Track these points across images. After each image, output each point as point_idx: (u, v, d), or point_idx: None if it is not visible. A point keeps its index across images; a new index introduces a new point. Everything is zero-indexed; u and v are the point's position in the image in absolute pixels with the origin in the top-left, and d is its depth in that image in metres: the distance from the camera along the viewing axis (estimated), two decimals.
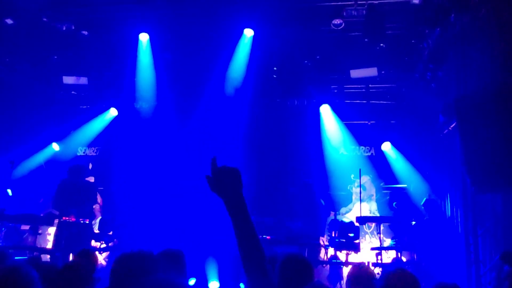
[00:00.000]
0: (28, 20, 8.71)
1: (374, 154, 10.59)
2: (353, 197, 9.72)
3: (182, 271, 3.89)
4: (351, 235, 7.58)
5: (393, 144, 10.25)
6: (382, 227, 8.01)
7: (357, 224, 7.74)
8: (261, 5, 8.13)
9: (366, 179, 9.42)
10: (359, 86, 10.44)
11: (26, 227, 8.63)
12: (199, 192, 9.93)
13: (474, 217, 7.12)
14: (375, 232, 8.78)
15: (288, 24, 8.55)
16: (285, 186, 10.13)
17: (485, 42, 6.52)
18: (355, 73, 9.78)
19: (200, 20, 8.56)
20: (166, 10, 8.44)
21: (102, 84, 10.93)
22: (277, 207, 9.69)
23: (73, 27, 8.85)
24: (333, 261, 7.88)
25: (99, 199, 9.67)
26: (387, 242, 8.48)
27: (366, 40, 8.36)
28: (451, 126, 8.05)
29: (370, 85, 10.39)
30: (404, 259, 8.14)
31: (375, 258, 7.63)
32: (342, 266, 7.66)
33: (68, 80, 10.75)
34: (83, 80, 10.88)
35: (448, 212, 8.75)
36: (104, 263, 8.31)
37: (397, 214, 8.97)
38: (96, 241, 8.21)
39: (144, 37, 9.40)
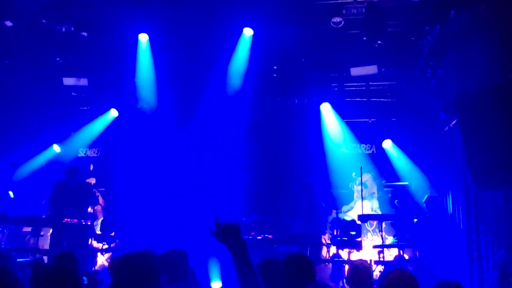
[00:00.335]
0: (27, 22, 8.71)
1: (375, 152, 10.57)
2: (355, 195, 9.71)
3: (185, 271, 3.90)
4: (353, 233, 7.58)
5: (394, 141, 10.24)
6: (384, 225, 8.00)
7: (358, 222, 7.74)
8: (261, 4, 8.12)
9: (367, 177, 9.40)
10: (359, 84, 10.43)
11: (28, 229, 8.64)
12: (200, 192, 9.95)
13: (476, 214, 7.11)
14: (377, 230, 8.77)
15: (287, 22, 8.54)
16: (286, 185, 10.12)
17: (485, 39, 6.51)
18: (355, 71, 9.78)
19: (199, 20, 8.55)
20: (165, 11, 8.43)
21: (102, 85, 10.94)
22: (278, 206, 9.69)
23: (73, 29, 8.84)
24: (335, 259, 7.88)
25: (100, 200, 9.68)
26: (389, 240, 8.47)
27: (364, 38, 8.35)
28: (452, 123, 8.04)
29: (370, 83, 10.38)
30: (406, 256, 8.13)
31: (377, 256, 7.62)
32: (344, 265, 7.66)
33: (68, 81, 10.76)
34: (83, 81, 10.89)
35: (450, 209, 8.75)
36: (106, 264, 8.32)
37: (399, 212, 8.96)
38: (98, 242, 8.22)
39: (143, 38, 9.40)
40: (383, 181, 10.06)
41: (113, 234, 8.28)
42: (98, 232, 8.32)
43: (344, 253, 7.84)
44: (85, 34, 9.07)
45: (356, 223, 7.75)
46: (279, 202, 9.80)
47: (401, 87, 10.32)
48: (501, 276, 4.45)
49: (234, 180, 9.99)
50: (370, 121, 10.72)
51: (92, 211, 9.12)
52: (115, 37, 9.28)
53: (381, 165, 10.17)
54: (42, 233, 8.04)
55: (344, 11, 8.04)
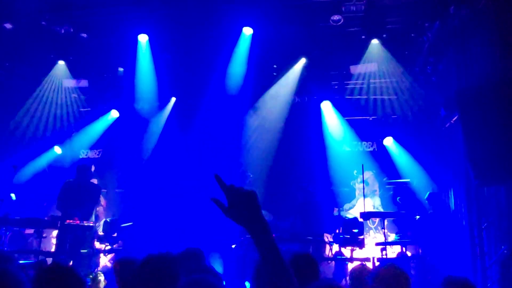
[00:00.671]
0: (26, 24, 8.71)
1: (376, 149, 10.56)
2: (357, 193, 9.71)
3: (203, 269, 3.92)
4: (355, 231, 7.57)
5: (395, 138, 10.23)
6: (386, 222, 8.00)
7: (361, 220, 7.73)
8: (260, 3, 8.12)
9: (369, 174, 9.41)
10: (359, 81, 10.42)
11: (31, 231, 8.65)
12: (202, 191, 9.95)
13: (478, 210, 7.11)
14: (379, 228, 8.77)
15: (287, 21, 8.54)
16: (287, 184, 10.11)
17: (485, 34, 6.50)
18: (355, 69, 9.77)
19: (199, 20, 8.54)
20: (164, 11, 8.43)
21: (102, 86, 10.95)
22: (280, 204, 9.68)
23: (72, 30, 8.84)
24: (338, 257, 7.87)
25: (102, 201, 9.69)
26: (392, 237, 8.47)
27: (363, 37, 8.36)
28: (453, 120, 8.03)
29: (370, 80, 10.37)
30: (409, 253, 8.13)
31: (380, 254, 7.62)
32: (347, 262, 7.66)
33: (68, 83, 10.76)
34: (84, 83, 10.90)
35: (452, 206, 8.74)
36: (109, 265, 8.33)
37: (401, 209, 8.95)
38: (100, 243, 8.23)
39: (143, 38, 9.40)
40: (385, 179, 10.06)
41: (115, 235, 8.28)
42: (100, 233, 8.33)
43: (346, 251, 7.84)
44: (84, 35, 9.08)
45: (358, 220, 7.74)
46: (281, 201, 9.79)
47: (401, 84, 10.30)
48: (503, 271, 4.45)
49: (235, 180, 9.98)
50: (370, 119, 10.71)
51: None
52: (115, 38, 9.28)
53: (383, 162, 10.16)
54: (44, 235, 8.04)
55: (343, 9, 8.04)
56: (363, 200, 8.07)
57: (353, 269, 4.27)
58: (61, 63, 10.25)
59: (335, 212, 8.93)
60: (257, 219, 1.80)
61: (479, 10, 6.53)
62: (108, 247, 8.15)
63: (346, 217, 8.43)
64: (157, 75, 10.22)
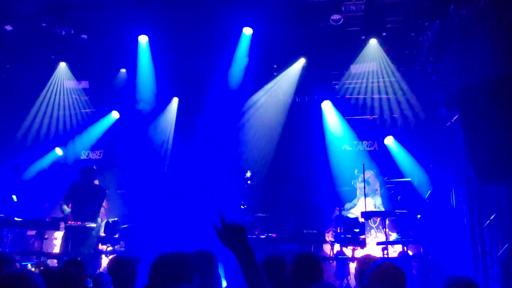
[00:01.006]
0: (27, 26, 8.74)
1: (377, 149, 10.57)
2: (358, 192, 9.71)
3: (214, 272, 3.94)
4: (357, 230, 7.58)
5: (396, 138, 10.23)
6: (387, 222, 8.00)
7: (362, 219, 7.73)
8: (260, 3, 8.12)
9: (369, 174, 9.40)
10: (360, 81, 10.42)
11: (32, 233, 8.67)
12: (202, 192, 9.97)
13: (479, 209, 7.10)
14: (380, 227, 8.77)
15: (287, 21, 8.54)
16: (288, 184, 10.12)
17: (485, 33, 6.49)
18: (355, 68, 9.77)
19: (199, 21, 8.55)
20: (164, 13, 8.45)
21: (103, 87, 10.96)
22: (281, 204, 9.69)
23: (73, 32, 8.85)
24: (340, 257, 7.88)
25: (104, 202, 9.69)
26: (393, 236, 8.47)
27: (363, 37, 8.36)
28: (454, 119, 8.03)
29: (371, 80, 10.36)
30: (410, 252, 8.13)
31: (381, 253, 7.62)
32: (348, 262, 7.66)
33: (69, 84, 10.78)
34: (84, 84, 10.91)
35: (453, 205, 8.74)
36: None
37: (402, 208, 8.95)
38: (102, 244, 8.24)
39: (143, 39, 9.41)
40: (386, 178, 10.06)
41: (116, 236, 8.29)
42: (102, 234, 8.34)
43: (348, 251, 7.84)
44: (85, 36, 9.08)
45: (359, 220, 7.75)
46: (282, 201, 9.79)
47: (401, 83, 10.30)
48: (504, 270, 4.45)
49: (236, 179, 10.00)
50: (371, 118, 10.71)
51: None
52: (115, 39, 9.29)
53: (384, 161, 10.16)
54: (46, 236, 8.05)
55: (343, 8, 8.04)
56: (364, 200, 8.07)
57: (358, 265, 4.24)
58: (62, 64, 10.27)
59: (336, 212, 8.92)
60: (244, 248, 2.22)
61: (480, 9, 6.52)
62: (110, 248, 8.16)
63: (347, 216, 8.43)
64: (158, 76, 10.24)
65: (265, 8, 8.22)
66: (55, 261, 7.52)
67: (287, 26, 8.66)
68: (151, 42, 9.47)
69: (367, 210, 7.98)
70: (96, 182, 9.81)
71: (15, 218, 7.73)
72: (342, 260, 7.79)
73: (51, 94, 10.84)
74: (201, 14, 8.35)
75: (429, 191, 8.63)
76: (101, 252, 8.18)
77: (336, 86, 10.60)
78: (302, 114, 10.80)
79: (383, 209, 9.21)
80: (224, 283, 8.26)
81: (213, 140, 10.61)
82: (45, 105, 10.93)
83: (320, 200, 8.75)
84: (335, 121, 10.69)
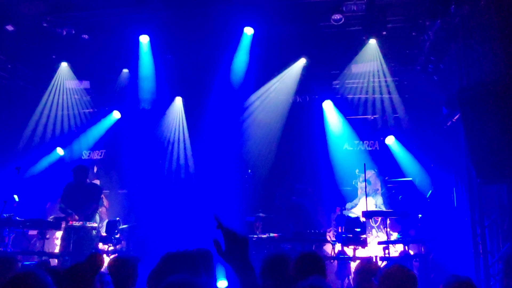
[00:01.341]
0: (28, 26, 8.75)
1: (378, 148, 10.57)
2: (359, 192, 9.70)
3: (211, 271, 3.94)
4: (358, 230, 7.58)
5: (397, 137, 10.23)
6: (388, 221, 8.00)
7: (363, 219, 7.73)
8: (261, 3, 8.13)
9: (371, 173, 9.39)
10: (360, 80, 10.42)
11: (34, 232, 8.68)
12: (204, 191, 9.97)
13: (480, 208, 7.10)
14: (381, 226, 8.77)
15: (288, 21, 8.55)
16: (290, 183, 10.12)
17: (487, 33, 6.49)
18: (356, 68, 9.77)
19: (200, 20, 8.56)
20: (165, 12, 8.45)
21: (104, 87, 10.97)
22: (280, 204, 9.69)
23: (74, 32, 8.86)
24: (341, 256, 7.88)
25: (105, 202, 9.71)
26: (394, 235, 8.47)
27: (364, 37, 8.36)
28: (455, 118, 8.03)
29: (372, 79, 10.36)
30: (411, 252, 8.13)
31: (383, 252, 7.62)
32: (349, 261, 7.66)
33: (70, 84, 10.79)
34: (85, 84, 10.92)
35: (454, 204, 8.74)
36: None
37: (403, 208, 8.95)
38: (103, 243, 8.25)
39: (144, 39, 9.42)
40: (387, 177, 10.06)
41: (118, 235, 8.31)
42: (103, 234, 8.35)
43: (349, 250, 7.84)
44: (86, 36, 9.09)
45: (360, 220, 7.75)
46: (281, 201, 9.79)
47: (402, 83, 10.31)
48: (506, 269, 4.44)
49: (237, 179, 10.01)
50: (372, 118, 10.71)
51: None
52: (116, 39, 9.30)
53: (385, 161, 10.16)
54: (47, 236, 8.07)
55: (344, 8, 8.04)
56: (365, 199, 8.07)
57: (359, 266, 4.26)
58: (64, 64, 10.29)
59: (337, 212, 8.93)
60: (244, 263, 2.10)
61: (480, 8, 6.52)
62: (111, 248, 8.17)
63: (348, 216, 8.44)
64: (159, 76, 10.24)
65: (266, 8, 8.23)
66: (56, 260, 7.53)
67: (288, 25, 8.66)
68: (152, 42, 9.47)
69: (368, 209, 7.98)
70: (97, 182, 9.84)
71: (17, 218, 7.74)
72: (343, 260, 7.79)
73: (54, 94, 10.85)
74: (202, 14, 8.36)
75: (430, 191, 8.62)
76: (103, 251, 8.19)
77: (337, 86, 10.61)
78: (303, 113, 10.80)
79: (384, 209, 9.21)
80: (225, 283, 8.28)
81: (213, 140, 10.61)
82: (48, 105, 10.95)
83: (308, 203, 8.76)
84: (336, 120, 10.69)
